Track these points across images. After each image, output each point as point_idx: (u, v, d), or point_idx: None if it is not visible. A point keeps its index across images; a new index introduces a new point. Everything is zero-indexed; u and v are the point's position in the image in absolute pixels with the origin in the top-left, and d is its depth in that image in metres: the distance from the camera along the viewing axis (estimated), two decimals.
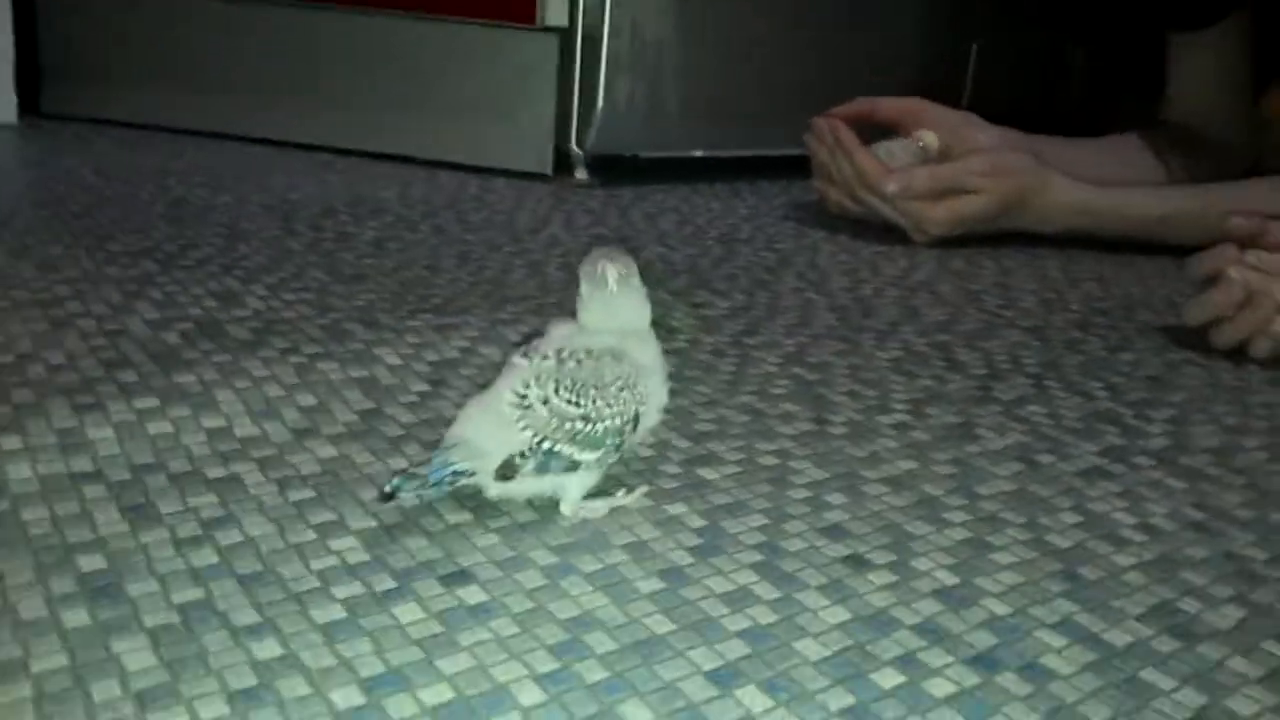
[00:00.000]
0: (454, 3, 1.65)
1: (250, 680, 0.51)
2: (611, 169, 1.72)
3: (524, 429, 0.66)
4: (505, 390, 0.67)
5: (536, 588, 0.61)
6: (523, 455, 0.66)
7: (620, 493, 0.71)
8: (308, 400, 0.82)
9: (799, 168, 1.63)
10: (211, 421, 0.77)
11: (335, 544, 0.63)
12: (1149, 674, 0.57)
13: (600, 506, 0.69)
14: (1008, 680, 0.56)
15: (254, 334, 0.94)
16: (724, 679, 0.54)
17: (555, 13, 1.62)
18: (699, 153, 1.79)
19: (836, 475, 0.77)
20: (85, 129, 1.79)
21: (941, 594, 0.63)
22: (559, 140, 1.68)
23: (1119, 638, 0.60)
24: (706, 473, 0.76)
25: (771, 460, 0.79)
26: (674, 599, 0.60)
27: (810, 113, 1.53)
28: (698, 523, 0.69)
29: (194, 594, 0.58)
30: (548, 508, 0.69)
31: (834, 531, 0.69)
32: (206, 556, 0.61)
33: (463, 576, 0.61)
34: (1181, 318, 1.14)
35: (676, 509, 0.71)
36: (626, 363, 0.69)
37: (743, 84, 1.78)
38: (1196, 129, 1.64)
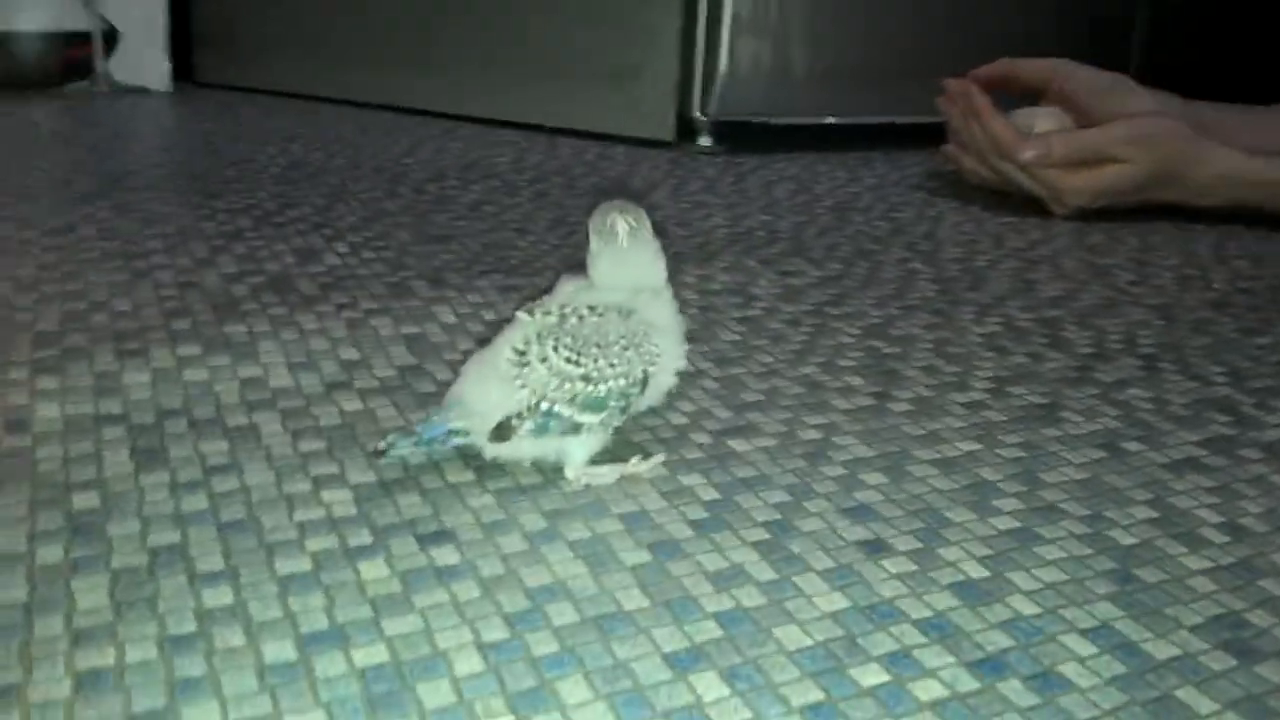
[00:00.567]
0: None
1: (190, 627, 0.50)
2: (738, 136, 1.66)
3: (522, 388, 0.63)
4: (505, 347, 0.64)
5: (514, 553, 0.57)
6: (519, 416, 0.63)
7: (634, 459, 0.67)
8: (350, 354, 0.81)
9: (942, 136, 1.54)
10: (248, 371, 0.77)
11: (327, 496, 0.62)
12: (1187, 694, 0.49)
13: (607, 473, 0.66)
14: (1011, 688, 0.49)
15: (319, 289, 0.94)
16: (683, 662, 0.50)
17: None
18: (831, 119, 1.71)
19: (882, 454, 0.71)
20: (233, 96, 1.86)
21: (963, 587, 0.57)
22: (682, 106, 1.64)
23: (1162, 649, 0.52)
24: (737, 444, 0.71)
25: (814, 435, 0.73)
26: (657, 574, 0.56)
27: (951, 75, 1.44)
28: (710, 495, 0.64)
29: (171, 538, 0.57)
30: (555, 471, 0.65)
31: (859, 513, 0.63)
32: (197, 502, 0.61)
33: (442, 537, 0.58)
34: None
35: (691, 480, 0.66)
36: (635, 320, 0.65)
37: (878, 45, 1.69)
38: None
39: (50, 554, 0.55)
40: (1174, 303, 1.05)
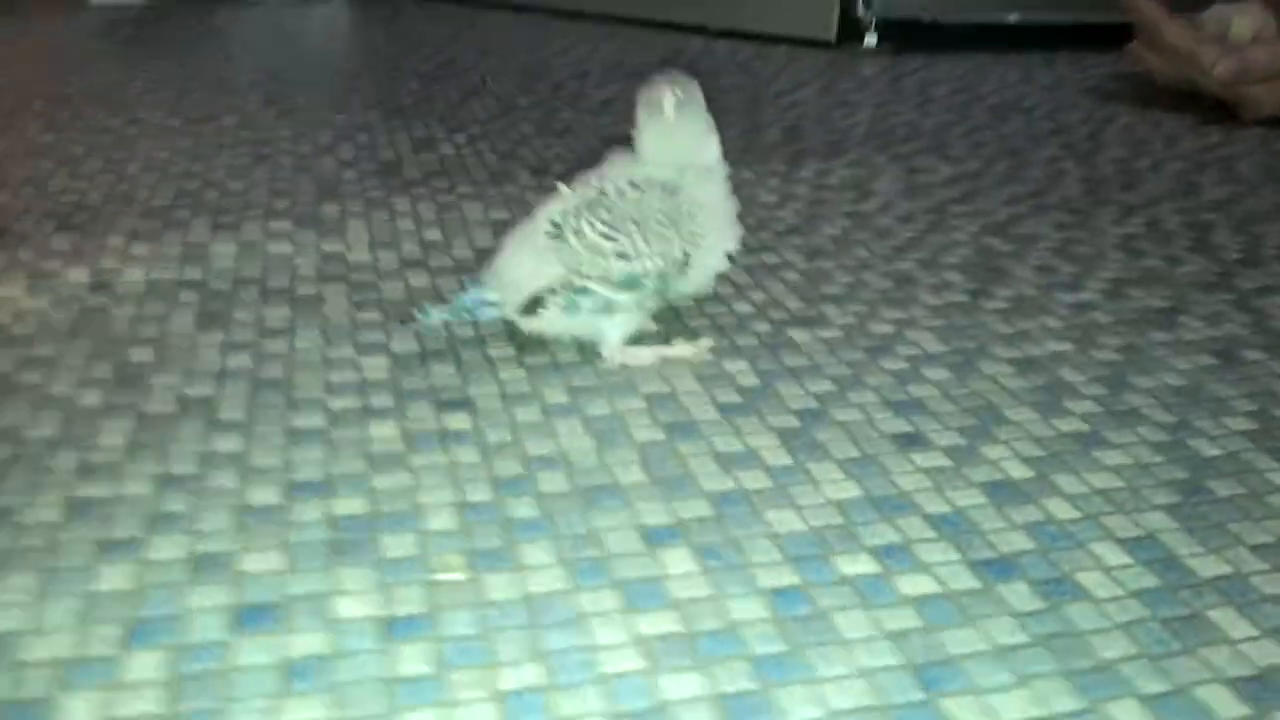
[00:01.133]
0: None
1: (189, 469, 0.52)
2: (907, 36, 1.57)
3: (555, 263, 0.61)
4: (543, 220, 0.62)
5: (527, 423, 0.56)
6: (552, 292, 0.61)
7: (679, 342, 0.65)
8: (433, 235, 0.82)
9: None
10: (330, 247, 0.79)
11: (365, 362, 0.62)
12: (1223, 615, 0.43)
13: (646, 354, 0.63)
14: (1013, 592, 0.44)
15: (423, 175, 0.95)
16: (659, 536, 0.47)
17: None
18: (1013, 18, 1.59)
19: (956, 350, 0.65)
20: (404, 4, 1.90)
21: (996, 487, 0.51)
22: (846, 4, 1.55)
23: (1209, 566, 0.46)
24: (798, 334, 0.67)
25: (886, 328, 0.68)
26: (664, 452, 0.54)
27: None
28: (750, 381, 0.61)
29: (205, 391, 0.59)
30: (595, 350, 0.63)
31: (905, 406, 0.59)
32: (241, 360, 0.62)
33: (460, 405, 0.58)
34: None
35: (736, 366, 0.63)
36: (679, 198, 0.61)
37: None
38: None
39: (90, 398, 0.58)
40: None
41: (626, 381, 0.61)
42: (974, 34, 1.59)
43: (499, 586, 0.44)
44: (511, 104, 1.22)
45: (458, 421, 0.56)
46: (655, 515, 0.49)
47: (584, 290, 0.60)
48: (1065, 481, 0.52)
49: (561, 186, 0.63)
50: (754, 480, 0.52)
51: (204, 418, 0.56)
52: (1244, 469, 0.53)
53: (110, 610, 0.42)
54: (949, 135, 1.13)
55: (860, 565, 0.46)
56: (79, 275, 0.73)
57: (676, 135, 0.62)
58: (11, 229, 0.81)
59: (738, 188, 0.91)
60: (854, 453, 0.54)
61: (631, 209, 0.61)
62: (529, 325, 0.63)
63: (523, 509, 0.49)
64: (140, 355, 0.63)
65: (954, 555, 0.46)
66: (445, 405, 0.58)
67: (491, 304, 0.62)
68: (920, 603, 0.44)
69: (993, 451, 0.54)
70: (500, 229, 0.83)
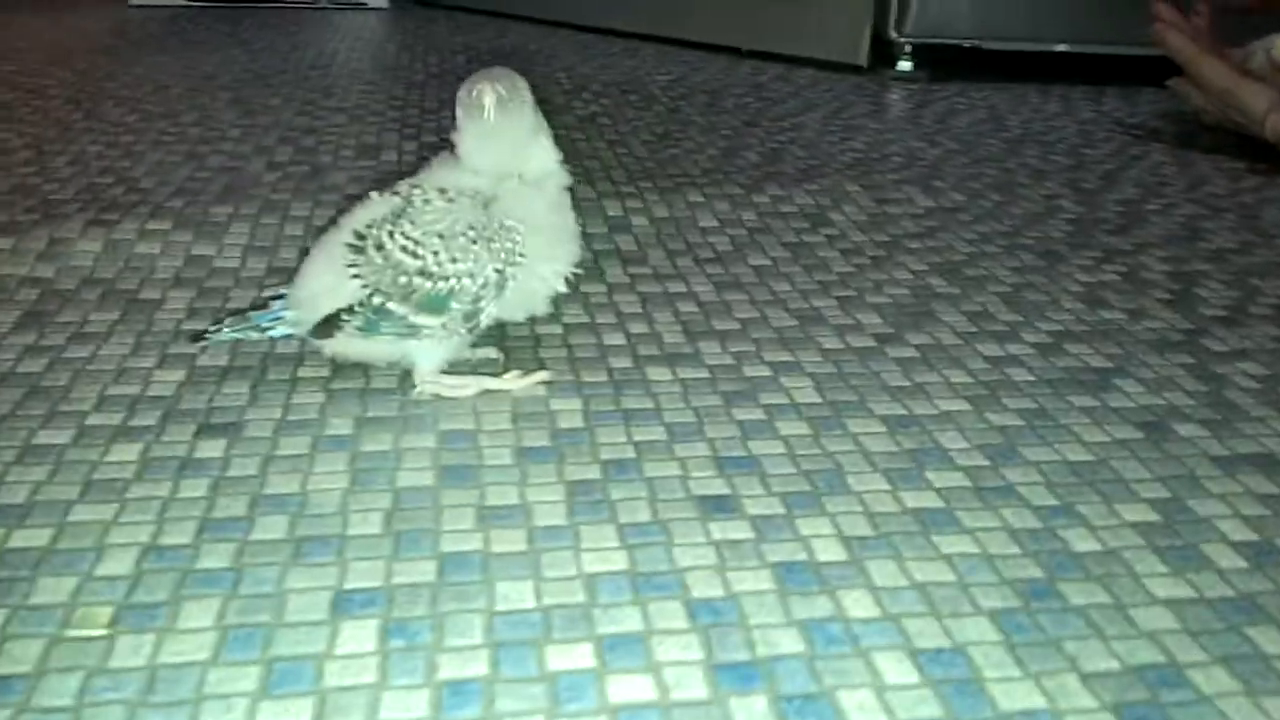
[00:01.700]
0: None
1: None
2: (948, 62, 1.46)
3: (355, 278, 0.53)
4: (345, 231, 0.55)
5: (287, 455, 0.49)
6: (350, 310, 0.54)
7: (510, 374, 0.57)
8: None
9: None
10: (202, 250, 0.74)
11: (159, 375, 0.56)
12: None
13: (465, 384, 0.56)
14: (745, 707, 0.36)
15: (348, 179, 0.90)
16: (350, 604, 0.40)
17: None
18: (1062, 47, 1.47)
19: (829, 402, 0.56)
20: (441, 14, 1.87)
21: (791, 570, 0.43)
22: (879, 27, 1.46)
23: (1018, 698, 0.37)
24: (658, 372, 0.59)
25: (762, 372, 0.59)
26: (420, 500, 0.46)
27: None
28: (571, 423, 0.53)
29: None
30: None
31: (735, 464, 0.50)
32: (31, 365, 0.57)
33: (225, 430, 0.51)
34: None
35: (566, 404, 0.55)
36: (493, 210, 0.54)
37: None
38: None
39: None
40: None
41: (431, 414, 0.54)
42: (1020, 62, 1.49)
43: (133, 651, 0.37)
44: None
45: (210, 449, 0.50)
46: (363, 577, 0.41)
47: (383, 310, 0.53)
48: (880, 569, 0.43)
49: (373, 193, 0.56)
50: (506, 543, 0.44)
51: None
52: (1116, 572, 0.43)
53: None
54: (946, 166, 1.03)
55: (573, 658, 0.38)
56: None
57: (498, 139, 0.54)
58: None
59: (682, 209, 0.84)
60: (644, 517, 0.46)
61: (438, 222, 0.53)
62: (327, 347, 0.56)
63: (214, 558, 0.42)
64: None
65: (696, 654, 0.38)
66: (209, 429, 0.51)
67: (287, 321, 0.56)
68: (623, 712, 0.35)
69: (809, 526, 0.45)
70: None
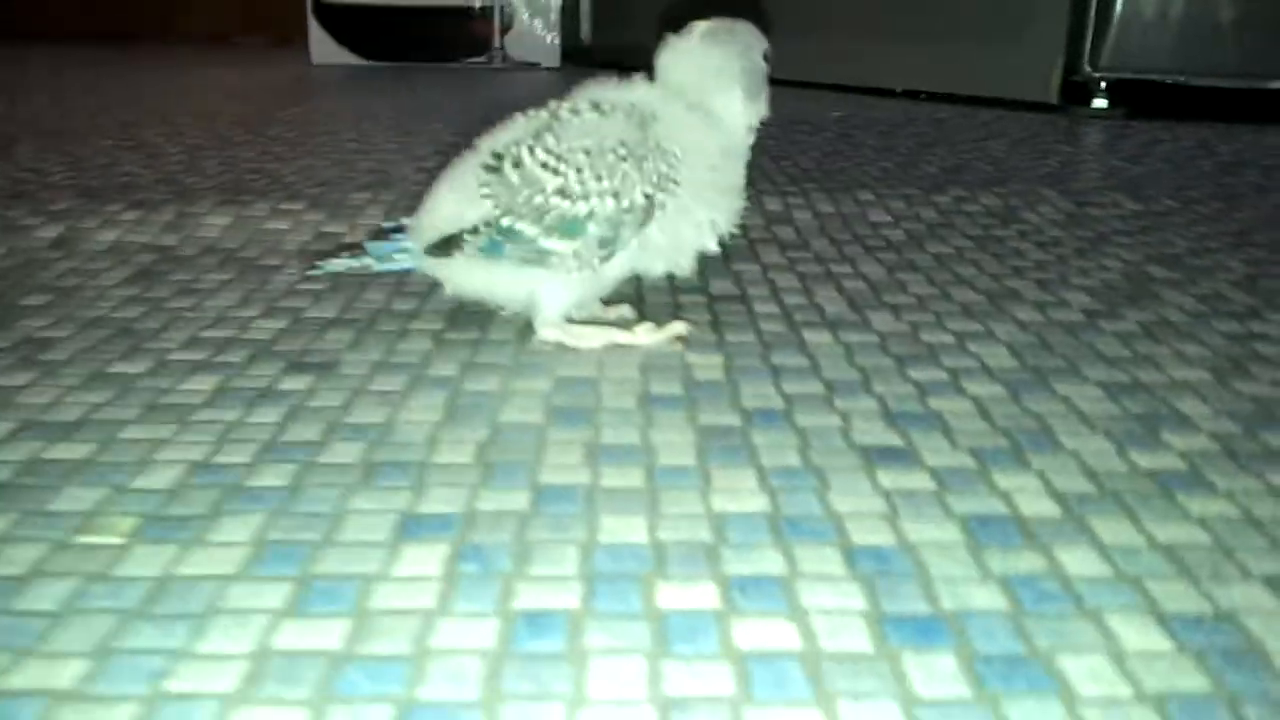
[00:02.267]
0: None
1: None
2: (1151, 100, 1.34)
3: (486, 198, 0.47)
4: (482, 152, 0.48)
5: (377, 391, 0.42)
6: (473, 231, 0.47)
7: (643, 326, 0.49)
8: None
9: None
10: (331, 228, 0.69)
11: (263, 324, 0.51)
12: None
13: (591, 335, 0.48)
14: None
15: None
16: (420, 529, 0.32)
17: None
18: (1276, 85, 1.33)
19: (1036, 368, 0.46)
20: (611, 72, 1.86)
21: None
22: (1072, 63, 1.35)
23: None
24: (817, 336, 0.50)
25: (945, 339, 0.50)
26: (521, 436, 0.38)
27: None
28: (710, 376, 0.45)
29: (58, 333, 0.49)
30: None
31: (904, 419, 0.40)
32: (133, 310, 0.52)
33: (315, 368, 0.45)
34: None
35: (706, 359, 0.47)
36: (654, 130, 0.46)
37: None
38: None
39: None
40: None
41: (548, 363, 0.46)
42: (1230, 101, 1.35)
43: (145, 561, 0.30)
44: None
45: (295, 384, 0.43)
46: (440, 503, 0.33)
47: (511, 232, 0.46)
48: (1110, 528, 0.32)
49: (517, 114, 0.50)
50: (619, 479, 0.35)
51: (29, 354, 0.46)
52: None
53: None
54: (1154, 179, 0.91)
55: (691, 598, 0.28)
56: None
57: (691, 62, 0.48)
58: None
59: (851, 206, 0.77)
60: (794, 461, 0.37)
61: (585, 136, 0.46)
62: (448, 282, 0.49)
63: (270, 477, 0.35)
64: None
65: (857, 602, 0.28)
66: (298, 367, 0.45)
67: (406, 252, 0.49)
68: (754, 660, 0.26)
69: (1008, 481, 0.35)
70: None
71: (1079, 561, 0.31)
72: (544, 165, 0.46)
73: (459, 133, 1.09)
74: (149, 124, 1.12)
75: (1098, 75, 1.35)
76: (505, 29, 1.86)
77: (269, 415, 0.40)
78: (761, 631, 0.27)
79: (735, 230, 0.49)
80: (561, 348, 0.48)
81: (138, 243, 0.65)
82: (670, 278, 0.51)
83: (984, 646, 0.27)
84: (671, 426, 0.40)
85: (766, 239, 0.69)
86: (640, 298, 0.55)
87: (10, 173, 0.85)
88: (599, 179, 0.46)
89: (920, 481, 0.35)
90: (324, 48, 1.87)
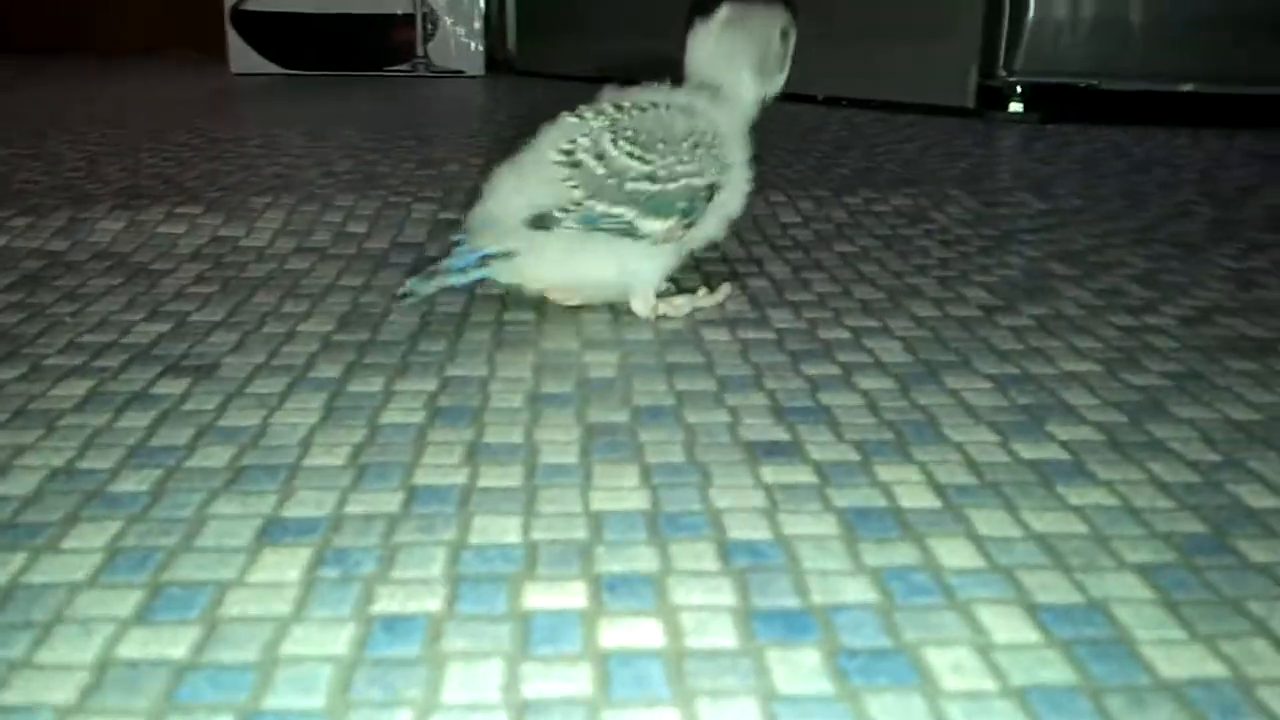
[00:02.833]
0: None
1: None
2: (1068, 104, 1.35)
3: (573, 187, 0.50)
4: (545, 151, 0.51)
5: (257, 393, 0.41)
6: (564, 210, 0.50)
7: (702, 291, 0.55)
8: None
9: None
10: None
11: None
12: None
13: (682, 303, 0.53)
14: None
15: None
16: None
17: None
18: (1187, 87, 1.36)
19: (928, 362, 0.46)
20: (538, 81, 1.84)
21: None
22: (987, 68, 1.37)
23: None
24: (715, 334, 0.49)
25: (842, 335, 0.49)
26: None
27: None
28: (600, 374, 0.44)
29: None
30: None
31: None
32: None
33: (192, 371, 0.44)
34: None
35: (598, 358, 0.46)
36: (699, 121, 0.52)
37: None
38: None
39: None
40: None
41: (436, 363, 0.45)
42: (1142, 105, 1.37)
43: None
44: None
45: (170, 387, 0.42)
46: (304, 506, 0.32)
47: (610, 215, 0.50)
48: (986, 519, 0.32)
49: (567, 116, 0.52)
50: (497, 478, 0.34)
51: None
52: None
53: None
54: (1063, 179, 0.92)
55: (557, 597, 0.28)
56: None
57: (715, 46, 0.54)
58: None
59: (762, 208, 0.78)
60: (678, 458, 0.36)
61: (657, 130, 0.51)
62: (529, 267, 0.51)
63: (133, 483, 0.34)
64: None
65: (726, 598, 0.28)
66: (176, 370, 0.43)
67: (495, 255, 0.50)
68: (616, 659, 0.25)
69: (891, 473, 0.35)
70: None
71: (953, 553, 0.30)
72: (629, 154, 0.50)
73: (373, 138, 1.08)
74: (53, 133, 1.09)
75: (1013, 80, 1.37)
76: (428, 37, 1.84)
77: (139, 419, 0.39)
78: (626, 630, 0.26)
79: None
80: (663, 319, 0.51)
81: (25, 249, 0.63)
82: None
83: (850, 640, 0.26)
84: (558, 425, 0.39)
85: None
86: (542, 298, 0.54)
87: None
88: (681, 163, 0.50)
89: (803, 475, 0.35)
90: (243, 58, 1.84)
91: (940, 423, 0.39)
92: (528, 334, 0.49)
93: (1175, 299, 0.57)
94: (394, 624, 0.27)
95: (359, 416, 0.39)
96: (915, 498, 0.34)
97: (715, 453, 0.37)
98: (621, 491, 0.34)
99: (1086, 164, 1.02)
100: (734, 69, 0.54)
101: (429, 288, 0.50)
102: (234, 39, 1.84)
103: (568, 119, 0.52)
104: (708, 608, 0.27)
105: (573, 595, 0.28)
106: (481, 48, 1.86)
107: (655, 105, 0.52)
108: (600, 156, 0.50)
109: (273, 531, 0.31)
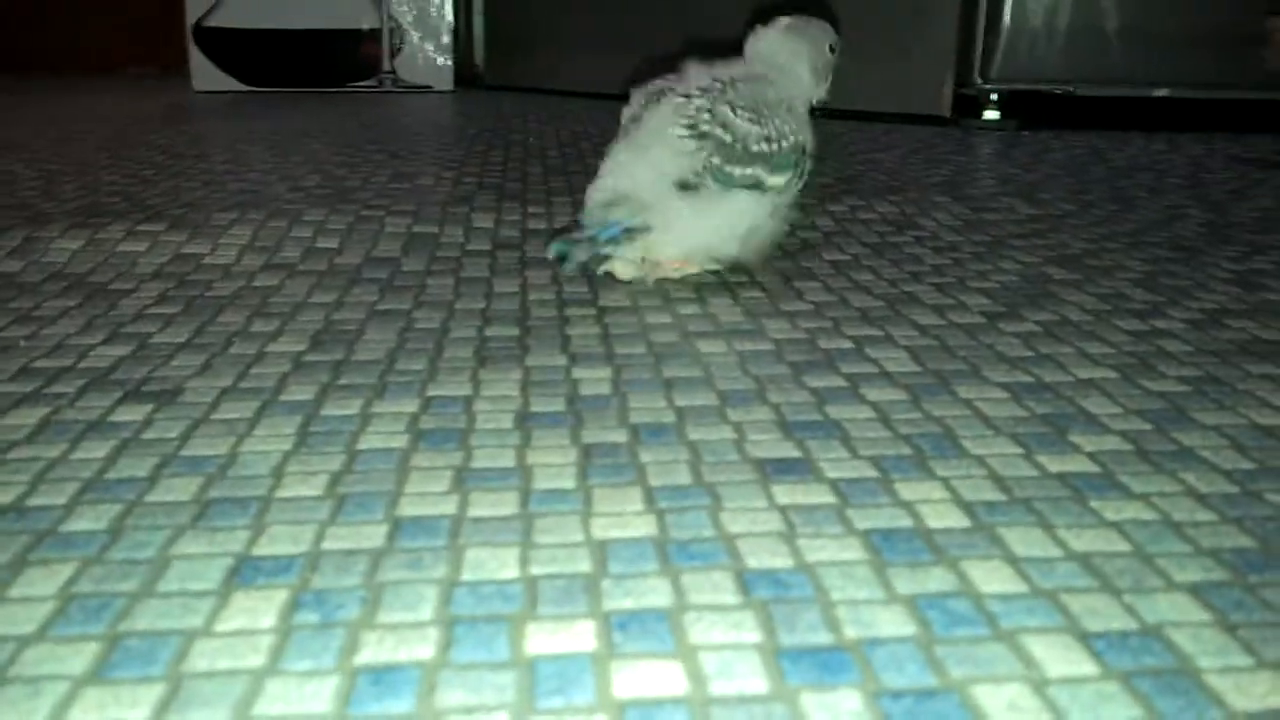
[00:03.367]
0: None
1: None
2: (1041, 110, 1.35)
3: (707, 154, 0.55)
4: (666, 130, 0.55)
5: (224, 419, 0.38)
6: (697, 173, 0.55)
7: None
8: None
9: None
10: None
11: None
12: None
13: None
14: None
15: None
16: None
17: None
18: (1161, 93, 1.35)
19: (938, 372, 0.44)
20: (507, 95, 1.82)
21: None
22: (962, 76, 1.36)
23: None
24: (711, 346, 0.47)
25: (844, 345, 0.47)
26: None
27: None
28: (594, 391, 0.41)
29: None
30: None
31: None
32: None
33: (152, 397, 0.41)
34: None
35: (590, 374, 0.43)
36: (776, 93, 0.59)
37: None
38: None
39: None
40: None
41: (416, 383, 0.42)
42: (1118, 110, 1.37)
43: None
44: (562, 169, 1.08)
45: (130, 414, 0.38)
46: (278, 543, 0.29)
47: (734, 176, 0.55)
48: (1022, 537, 0.30)
49: (677, 99, 0.56)
50: (489, 506, 0.32)
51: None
52: None
53: None
54: (1049, 184, 0.91)
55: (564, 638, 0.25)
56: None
57: (777, 45, 0.61)
58: None
59: None
60: (684, 479, 0.33)
61: (754, 101, 0.57)
62: (667, 228, 0.54)
63: (89, 521, 0.31)
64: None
65: (751, 635, 0.25)
66: (136, 396, 0.40)
67: (635, 229, 0.54)
68: (634, 710, 0.23)
69: (913, 491, 0.33)
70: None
71: (991, 577, 0.28)
72: (749, 120, 0.56)
73: (342, 152, 1.05)
74: (6, 152, 1.06)
75: (988, 87, 1.36)
76: (395, 52, 1.81)
77: (96, 450, 0.36)
78: (643, 676, 0.24)
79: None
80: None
81: None
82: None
83: (892, 679, 0.24)
84: (552, 446, 0.36)
85: None
86: (525, 311, 0.51)
87: None
88: (785, 123, 0.57)
89: (819, 495, 0.33)
90: (206, 75, 1.80)
91: (958, 435, 0.37)
92: (511, 349, 0.47)
93: (1180, 302, 0.55)
94: (382, 676, 0.24)
95: (336, 442, 0.36)
96: (942, 517, 0.31)
97: (723, 472, 0.34)
98: (625, 517, 0.31)
99: (1069, 169, 1.01)
100: (797, 60, 0.61)
101: (581, 254, 0.53)
102: (196, 56, 1.79)
103: (674, 98, 0.57)
104: (731, 646, 0.25)
105: (580, 636, 0.25)
106: (450, 63, 1.83)
107: (734, 81, 0.57)
108: (725, 125, 0.56)
109: (244, 572, 0.28)
